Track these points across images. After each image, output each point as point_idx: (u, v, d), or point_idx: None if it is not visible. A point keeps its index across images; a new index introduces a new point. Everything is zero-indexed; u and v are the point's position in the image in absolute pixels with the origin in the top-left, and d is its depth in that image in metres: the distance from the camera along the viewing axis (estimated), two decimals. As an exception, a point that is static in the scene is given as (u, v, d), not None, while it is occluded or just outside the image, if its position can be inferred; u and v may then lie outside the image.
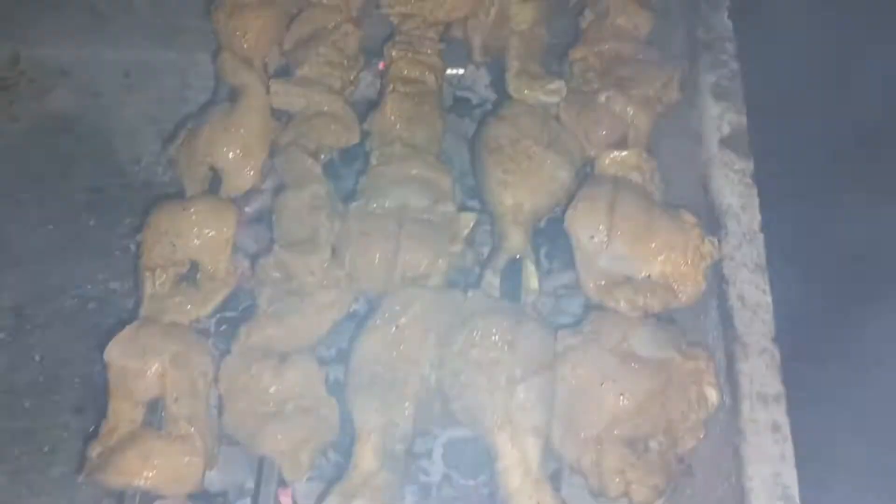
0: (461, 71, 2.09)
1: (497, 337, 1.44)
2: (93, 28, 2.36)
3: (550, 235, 1.85)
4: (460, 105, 2.22)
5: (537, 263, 1.92)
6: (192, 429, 1.36)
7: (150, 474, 1.30)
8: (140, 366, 1.38)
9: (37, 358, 1.97)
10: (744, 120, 1.75)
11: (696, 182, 1.75)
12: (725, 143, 1.73)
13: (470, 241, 1.64)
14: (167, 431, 1.36)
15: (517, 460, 1.35)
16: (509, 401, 1.38)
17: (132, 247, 2.16)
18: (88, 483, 1.35)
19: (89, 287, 2.11)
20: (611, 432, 1.41)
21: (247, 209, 1.87)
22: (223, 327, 1.75)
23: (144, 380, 1.39)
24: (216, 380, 1.44)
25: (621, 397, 1.42)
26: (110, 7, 2.29)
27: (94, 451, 1.35)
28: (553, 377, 1.44)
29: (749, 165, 1.70)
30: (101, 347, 1.48)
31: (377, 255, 1.53)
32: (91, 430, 1.66)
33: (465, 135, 2.18)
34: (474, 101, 2.22)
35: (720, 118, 1.76)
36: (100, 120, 2.37)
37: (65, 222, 2.22)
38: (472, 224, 1.64)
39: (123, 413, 1.38)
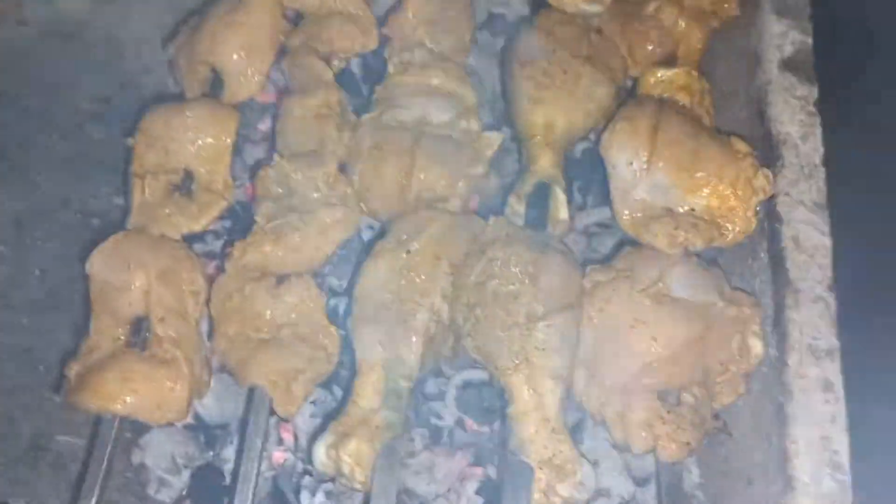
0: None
1: (518, 268, 1.29)
2: (108, -75, 2.20)
3: (586, 167, 1.70)
4: (494, 21, 2.04)
5: (570, 196, 1.80)
6: (178, 352, 1.24)
7: (130, 399, 1.19)
8: (124, 279, 1.26)
9: (36, 272, 1.87)
10: (809, 40, 1.55)
11: (751, 108, 1.57)
12: (787, 65, 1.53)
13: (494, 165, 1.49)
14: (151, 353, 1.24)
15: (533, 405, 1.22)
16: (527, 339, 1.24)
17: (137, 164, 2.07)
18: (67, 405, 1.24)
19: (93, 201, 2.00)
20: (639, 381, 1.27)
21: (260, 126, 1.73)
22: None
23: (128, 295, 1.26)
24: (208, 301, 1.32)
25: (653, 343, 1.27)
26: None
27: (72, 370, 1.24)
28: (579, 316, 1.30)
29: (813, 92, 1.50)
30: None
31: (389, 172, 1.38)
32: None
33: (498, 54, 2.01)
34: (510, 18, 2.03)
35: (782, 37, 1.55)
36: (110, 26, 2.23)
37: (70, 133, 2.10)
38: (497, 145, 1.48)
39: (105, 331, 1.27)
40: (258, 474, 1.20)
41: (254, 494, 1.18)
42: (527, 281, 1.28)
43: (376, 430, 1.21)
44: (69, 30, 2.23)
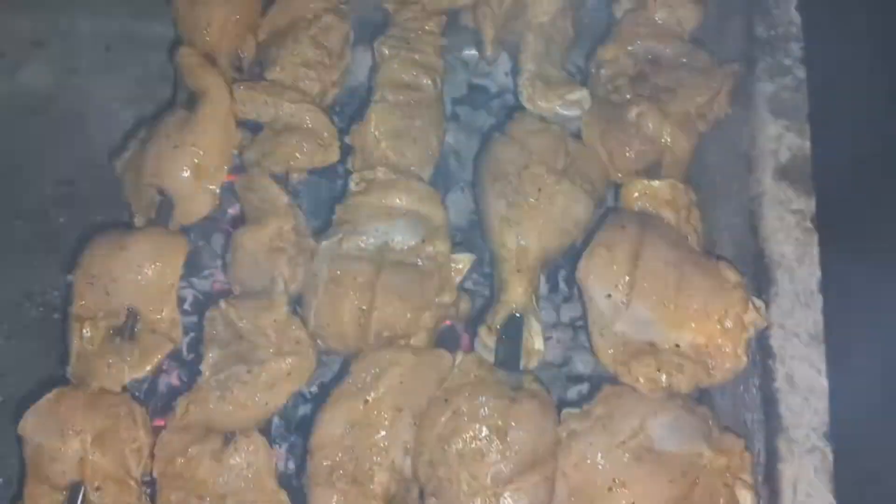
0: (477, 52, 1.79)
1: (485, 423, 1.19)
2: (68, -5, 2.11)
3: (570, 257, 1.59)
4: (476, 95, 1.93)
5: (555, 285, 1.68)
6: (114, 522, 1.14)
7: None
8: (57, 447, 1.16)
9: (-5, 375, 1.79)
10: (807, 145, 1.43)
11: (744, 215, 1.45)
12: (782, 173, 1.41)
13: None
14: (85, 528, 1.15)
15: (500, 583, 1.12)
16: (493, 508, 1.13)
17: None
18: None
19: (55, 294, 1.92)
20: (618, 550, 1.16)
21: (230, 210, 1.64)
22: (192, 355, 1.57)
23: (62, 463, 1.17)
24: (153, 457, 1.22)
25: (633, 507, 1.17)
26: (85, -26, 2.02)
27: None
28: (551, 474, 1.19)
29: (810, 205, 1.38)
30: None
31: (347, 311, 1.27)
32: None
33: (481, 129, 1.90)
34: (492, 90, 1.93)
35: (777, 141, 1.44)
36: (75, 100, 2.14)
37: (33, 218, 2.02)
38: (467, 269, 1.37)
39: (39, 499, 1.17)
40: None
41: None
42: (494, 437, 1.18)
43: None
44: (33, 104, 2.14)
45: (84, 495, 1.17)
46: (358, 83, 1.79)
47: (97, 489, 1.16)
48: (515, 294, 1.34)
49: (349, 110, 1.75)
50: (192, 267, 1.74)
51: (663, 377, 1.25)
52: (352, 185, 1.39)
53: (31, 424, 1.19)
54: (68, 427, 1.17)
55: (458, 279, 1.36)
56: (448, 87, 1.75)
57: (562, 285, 1.69)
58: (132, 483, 1.19)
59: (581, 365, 1.64)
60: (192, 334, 1.68)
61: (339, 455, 1.19)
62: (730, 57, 1.55)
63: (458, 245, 1.44)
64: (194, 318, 1.69)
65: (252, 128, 1.48)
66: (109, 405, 1.21)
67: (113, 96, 2.14)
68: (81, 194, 2.03)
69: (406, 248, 1.34)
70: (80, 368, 1.26)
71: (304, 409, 1.50)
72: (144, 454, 1.22)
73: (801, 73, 1.48)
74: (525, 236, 1.36)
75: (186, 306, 1.69)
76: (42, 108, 2.13)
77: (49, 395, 1.21)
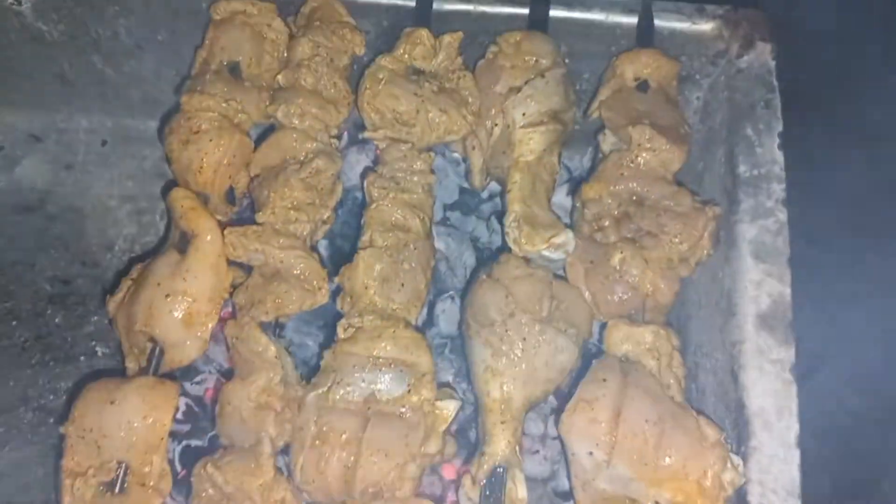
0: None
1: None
2: (64, 94, 2.13)
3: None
4: (467, 198, 1.96)
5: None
6: None
7: None
8: None
9: (-9, 479, 1.82)
10: (788, 292, 1.45)
11: (726, 359, 1.47)
12: (763, 321, 1.44)
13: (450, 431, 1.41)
14: None
15: None
16: None
17: (99, 350, 2.00)
18: None
19: (51, 398, 1.94)
20: None
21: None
22: (181, 474, 1.61)
23: None
24: None
25: None
26: (80, 76, 2.05)
27: None
28: None
29: (790, 355, 1.41)
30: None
31: (333, 468, 1.30)
32: None
33: (471, 235, 1.93)
34: (483, 195, 1.95)
35: (758, 286, 1.46)
36: (71, 196, 2.17)
37: (28, 318, 2.05)
38: (452, 416, 1.39)
39: None
40: None
41: None
42: None
43: None
44: (30, 200, 2.17)
45: None
46: (351, 184, 1.84)
47: None
48: (499, 447, 1.36)
49: (341, 213, 1.79)
50: (186, 371, 1.77)
51: (642, 535, 1.27)
52: (340, 332, 1.42)
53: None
54: None
55: (443, 427, 1.38)
56: (440, 192, 1.79)
57: (550, 398, 1.71)
58: None
59: (567, 480, 1.67)
60: (184, 443, 1.72)
61: None
62: (713, 193, 1.58)
63: (442, 386, 1.47)
64: (186, 427, 1.73)
65: (244, 265, 1.51)
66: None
67: (109, 192, 2.17)
68: (78, 292, 2.07)
69: (391, 398, 1.37)
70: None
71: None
72: None
73: (783, 215, 1.51)
74: (509, 386, 1.38)
75: (179, 415, 1.72)
76: (38, 204, 2.17)
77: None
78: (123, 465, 1.32)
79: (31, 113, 2.22)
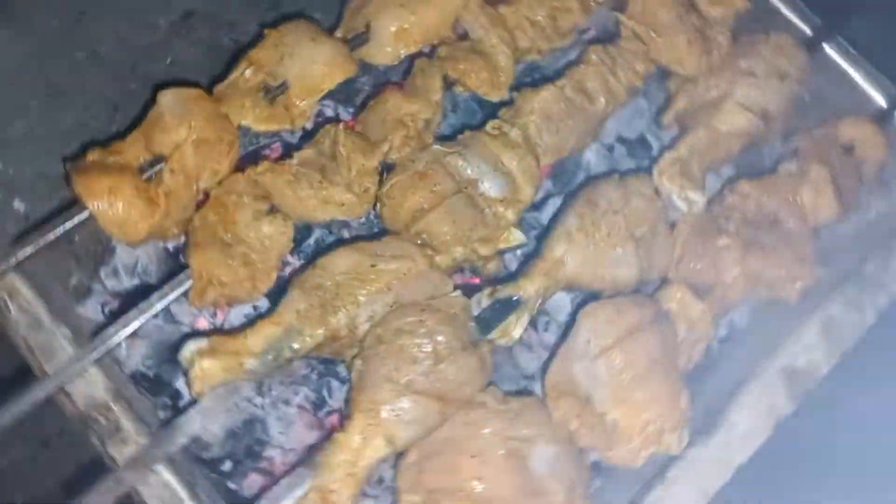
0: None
1: (433, 346, 1.39)
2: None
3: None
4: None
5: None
6: (163, 202, 1.44)
7: (102, 206, 1.39)
8: (174, 123, 1.46)
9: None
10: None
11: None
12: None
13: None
14: (146, 187, 1.44)
15: None
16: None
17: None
18: (67, 174, 1.44)
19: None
20: None
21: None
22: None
23: (166, 137, 1.46)
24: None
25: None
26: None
27: (91, 156, 1.46)
28: (448, 413, 1.40)
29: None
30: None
31: (409, 201, 1.52)
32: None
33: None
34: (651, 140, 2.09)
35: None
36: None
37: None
38: (515, 245, 1.58)
39: (133, 145, 1.48)
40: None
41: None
42: (432, 358, 1.36)
43: (238, 367, 1.37)
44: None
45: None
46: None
47: (172, 171, 1.45)
48: (530, 287, 1.53)
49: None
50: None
51: (573, 425, 1.44)
52: (488, 127, 1.62)
53: (169, 99, 1.49)
54: (188, 118, 1.46)
55: (503, 246, 1.57)
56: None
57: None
58: (193, 189, 1.48)
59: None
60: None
61: (328, 283, 1.44)
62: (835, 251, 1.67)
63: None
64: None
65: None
66: (222, 126, 1.49)
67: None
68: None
69: (486, 195, 1.56)
70: (223, 91, 1.55)
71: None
72: (217, 179, 1.51)
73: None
74: (571, 255, 1.54)
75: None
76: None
77: (192, 91, 1.51)
78: (286, 85, 1.57)
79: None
